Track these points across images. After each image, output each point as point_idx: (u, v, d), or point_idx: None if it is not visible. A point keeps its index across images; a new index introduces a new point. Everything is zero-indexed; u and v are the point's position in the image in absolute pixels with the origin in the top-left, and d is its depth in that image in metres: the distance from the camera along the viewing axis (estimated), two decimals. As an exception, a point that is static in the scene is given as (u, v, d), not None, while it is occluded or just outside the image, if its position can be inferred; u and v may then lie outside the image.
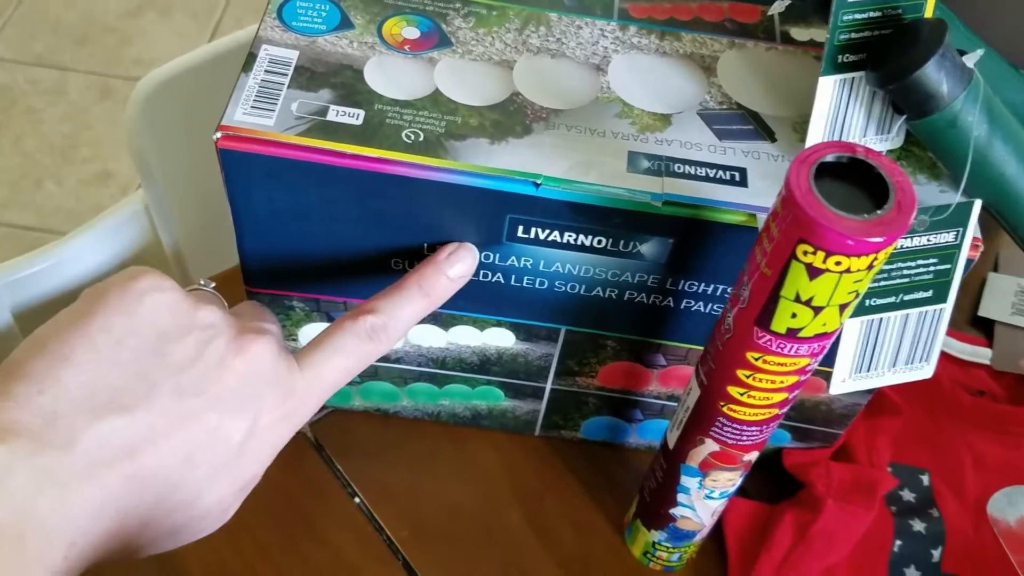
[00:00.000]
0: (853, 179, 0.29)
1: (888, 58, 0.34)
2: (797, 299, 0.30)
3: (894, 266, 0.36)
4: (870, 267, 0.29)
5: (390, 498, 0.47)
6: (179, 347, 0.30)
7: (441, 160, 0.36)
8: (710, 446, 0.37)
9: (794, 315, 0.30)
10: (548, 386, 0.46)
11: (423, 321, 0.38)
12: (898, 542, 0.47)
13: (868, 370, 0.38)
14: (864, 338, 0.37)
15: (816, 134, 0.36)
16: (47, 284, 0.51)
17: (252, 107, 0.36)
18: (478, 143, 0.36)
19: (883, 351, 0.38)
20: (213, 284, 0.36)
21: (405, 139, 0.36)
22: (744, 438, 0.36)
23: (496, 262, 0.39)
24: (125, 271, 0.31)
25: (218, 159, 0.35)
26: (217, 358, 0.31)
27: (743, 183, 0.37)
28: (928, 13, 0.35)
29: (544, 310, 0.42)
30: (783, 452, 0.48)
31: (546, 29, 0.41)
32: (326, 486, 0.48)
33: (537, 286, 0.40)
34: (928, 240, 0.36)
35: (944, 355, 0.54)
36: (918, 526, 0.48)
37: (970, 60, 0.34)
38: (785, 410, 0.35)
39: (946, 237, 0.36)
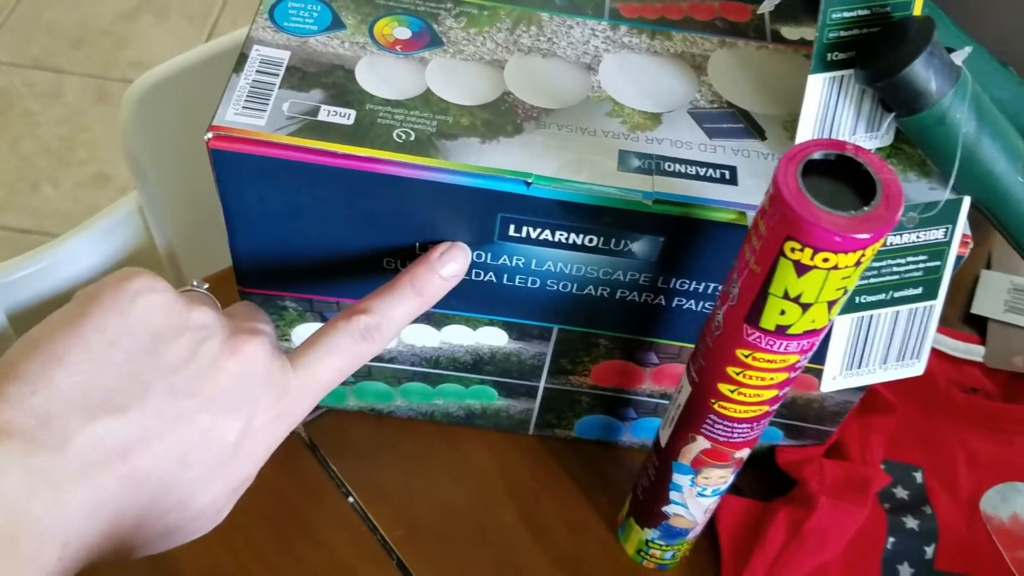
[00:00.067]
0: (841, 176, 0.29)
1: (877, 56, 0.34)
2: (786, 296, 0.30)
3: (884, 263, 0.36)
4: (858, 263, 0.29)
5: (384, 498, 0.48)
6: (172, 348, 0.30)
7: (432, 159, 0.36)
8: (702, 443, 0.37)
9: (783, 312, 0.31)
10: (541, 385, 0.46)
11: (416, 321, 0.38)
12: (891, 539, 0.47)
13: (859, 367, 0.38)
14: (854, 335, 0.37)
15: (806, 132, 0.36)
16: (41, 285, 0.51)
17: (243, 107, 0.36)
18: (469, 142, 0.36)
19: (874, 348, 0.38)
20: (206, 285, 0.36)
21: (396, 139, 0.36)
22: (735, 435, 0.36)
23: (488, 261, 0.39)
24: (118, 272, 0.31)
25: (209, 159, 0.36)
26: (210, 359, 0.31)
27: (733, 181, 0.37)
28: (917, 11, 0.35)
29: (536, 309, 0.42)
30: (776, 450, 0.48)
31: (537, 29, 0.41)
32: (320, 486, 0.48)
33: (529, 285, 0.40)
34: (917, 237, 0.36)
35: (937, 352, 0.54)
36: (911, 523, 0.48)
37: (958, 57, 0.34)
38: (776, 407, 0.35)
39: (935, 234, 0.36)
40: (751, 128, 0.39)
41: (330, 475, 0.48)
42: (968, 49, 0.34)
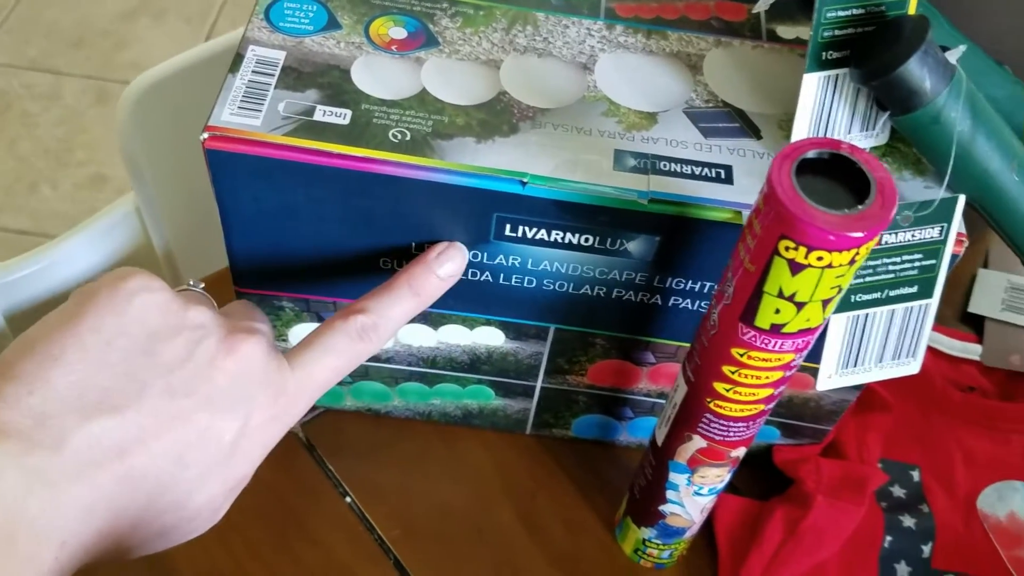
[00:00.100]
0: (835, 175, 0.29)
1: (871, 55, 0.35)
2: (780, 295, 0.30)
3: (879, 262, 0.36)
4: (852, 262, 0.29)
5: (381, 497, 0.48)
6: (169, 347, 0.30)
7: (428, 159, 0.36)
8: (698, 442, 0.37)
9: (777, 311, 0.31)
10: (538, 384, 0.46)
11: (413, 320, 0.38)
12: (888, 538, 0.47)
13: (854, 366, 0.38)
14: (850, 334, 0.37)
15: (801, 131, 0.36)
16: (39, 286, 0.51)
17: (239, 107, 0.36)
18: (465, 142, 0.36)
19: (869, 347, 0.38)
20: (202, 284, 0.36)
21: (392, 138, 0.36)
22: (731, 434, 0.36)
23: (484, 261, 0.39)
24: (114, 271, 0.31)
25: (205, 159, 0.36)
26: (207, 358, 0.31)
27: (729, 180, 0.37)
28: (911, 10, 0.35)
29: (533, 309, 0.42)
30: (773, 449, 0.48)
31: (533, 28, 0.41)
32: (317, 486, 0.48)
33: (526, 285, 0.40)
34: (913, 236, 0.36)
35: (934, 351, 0.54)
36: (908, 522, 0.48)
37: (952, 56, 0.34)
38: (771, 406, 0.36)
39: (931, 233, 0.36)
40: (747, 127, 0.39)
41: (327, 475, 0.48)
42: (962, 48, 0.34)
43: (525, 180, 0.36)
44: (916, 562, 0.47)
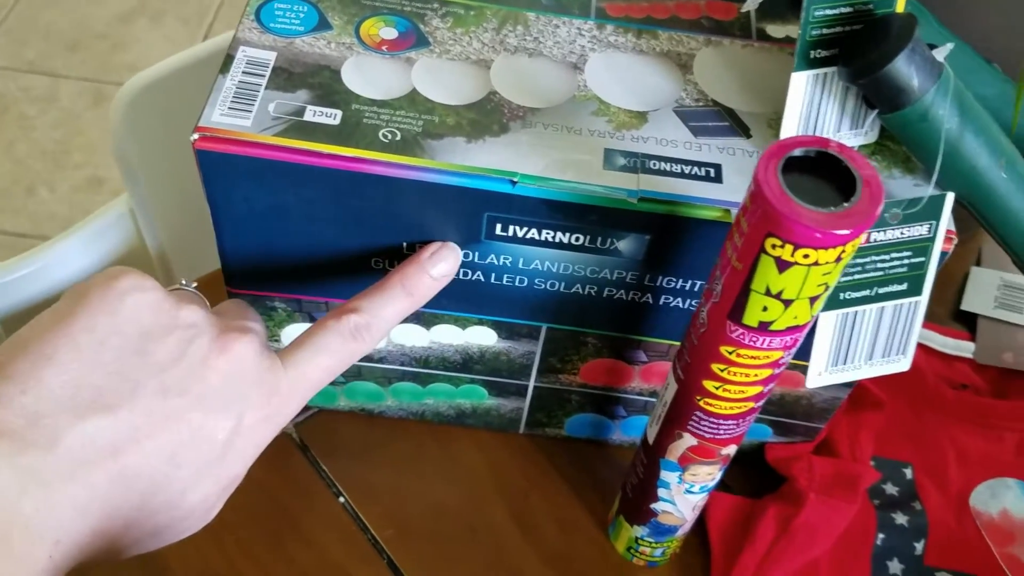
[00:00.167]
0: (822, 173, 0.30)
1: (859, 53, 0.35)
2: (767, 292, 0.30)
3: (868, 259, 0.36)
4: (838, 259, 0.29)
5: (375, 498, 0.48)
6: (162, 346, 0.30)
7: (418, 159, 0.36)
8: (688, 440, 0.37)
9: (765, 308, 0.31)
10: (531, 384, 0.47)
11: (405, 320, 0.38)
12: (881, 535, 0.47)
13: (844, 363, 0.38)
14: (839, 331, 0.38)
15: (790, 130, 0.37)
16: (33, 288, 0.51)
17: (229, 108, 0.36)
18: (455, 142, 0.37)
19: (859, 344, 0.38)
20: (195, 284, 0.36)
21: (382, 138, 0.36)
22: (721, 432, 0.36)
23: (476, 260, 0.39)
24: (106, 271, 0.31)
25: (196, 160, 0.36)
26: (200, 357, 0.31)
27: (718, 179, 0.37)
28: (899, 8, 0.35)
29: (525, 308, 0.42)
30: (765, 447, 0.48)
31: (523, 28, 0.41)
32: (311, 486, 0.48)
33: (517, 284, 0.41)
34: (901, 233, 0.36)
35: (927, 349, 0.54)
36: (901, 519, 0.48)
37: (940, 54, 0.34)
38: (761, 403, 0.36)
39: (919, 230, 0.36)
40: (736, 126, 0.39)
41: (321, 475, 0.48)
42: (950, 45, 0.34)
43: (515, 180, 0.36)
44: (909, 559, 0.47)
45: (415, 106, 0.37)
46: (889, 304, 0.37)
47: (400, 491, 0.48)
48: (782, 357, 0.33)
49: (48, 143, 1.43)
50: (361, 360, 0.46)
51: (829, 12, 0.35)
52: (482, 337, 0.44)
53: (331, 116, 0.36)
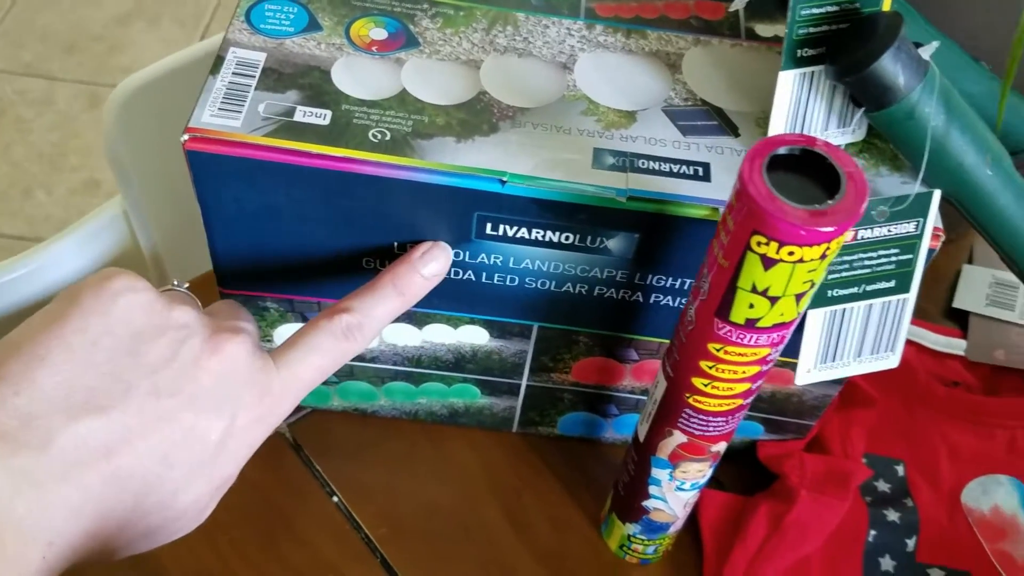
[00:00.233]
0: (807, 171, 0.30)
1: (846, 52, 0.35)
2: (754, 290, 0.30)
3: (855, 257, 0.36)
4: (823, 257, 0.29)
5: (368, 497, 0.48)
6: (154, 347, 0.30)
7: (408, 159, 0.36)
8: (678, 438, 0.38)
9: (752, 305, 0.31)
10: (523, 383, 0.47)
11: (397, 320, 0.38)
12: (873, 532, 0.47)
13: (833, 360, 0.39)
14: (828, 328, 0.38)
15: (777, 128, 0.37)
16: (27, 290, 0.51)
17: (219, 109, 0.36)
18: (444, 142, 0.37)
19: (847, 341, 0.38)
20: (187, 284, 0.36)
21: (372, 138, 0.36)
22: (711, 429, 0.37)
23: (467, 260, 0.40)
24: (99, 272, 0.32)
25: (186, 161, 0.36)
26: (192, 358, 0.31)
27: (706, 178, 0.37)
28: (886, 7, 0.35)
29: (516, 307, 0.42)
30: (757, 444, 0.48)
31: (513, 29, 0.41)
32: (304, 486, 0.48)
33: (508, 283, 0.41)
34: (888, 231, 0.36)
35: (919, 346, 0.54)
36: (892, 516, 0.48)
37: (926, 52, 0.34)
38: (750, 400, 0.36)
39: (906, 227, 0.36)
40: (724, 125, 0.39)
41: (314, 475, 0.48)
42: (935, 44, 0.35)
43: (504, 179, 0.36)
44: (900, 556, 0.47)
45: (405, 106, 0.38)
46: (877, 301, 0.38)
47: (393, 490, 0.48)
48: (770, 354, 0.33)
49: (45, 146, 1.43)
50: (354, 360, 0.46)
51: (816, 11, 0.35)
52: (474, 336, 0.44)
53: (321, 116, 0.37)
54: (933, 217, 0.36)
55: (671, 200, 0.36)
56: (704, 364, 0.34)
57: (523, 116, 0.38)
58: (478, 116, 0.38)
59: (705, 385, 0.35)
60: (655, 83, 0.40)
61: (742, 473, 0.49)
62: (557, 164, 0.37)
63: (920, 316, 0.55)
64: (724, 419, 0.36)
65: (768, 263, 0.29)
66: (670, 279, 0.40)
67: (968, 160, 0.35)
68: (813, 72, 0.36)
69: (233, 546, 0.46)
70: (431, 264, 0.38)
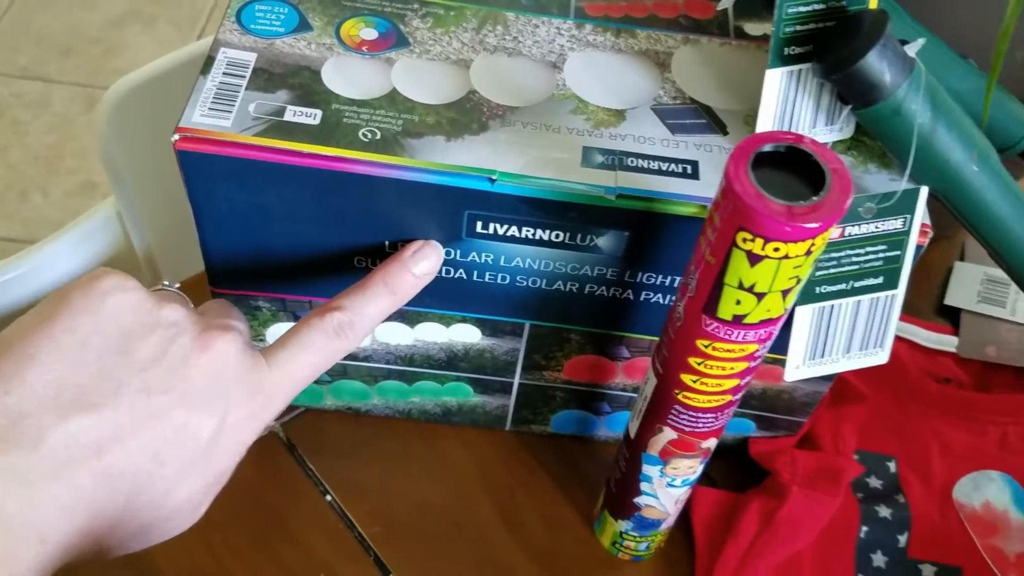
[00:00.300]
0: (792, 168, 0.30)
1: (832, 49, 0.35)
2: (740, 286, 0.30)
3: (843, 253, 0.37)
4: (808, 253, 0.29)
5: (362, 496, 0.48)
6: (143, 345, 0.30)
7: (398, 158, 0.36)
8: (668, 434, 0.38)
9: (738, 302, 0.31)
10: (516, 381, 0.47)
11: (389, 318, 0.39)
12: (864, 528, 0.48)
13: (822, 357, 0.39)
14: (816, 325, 0.38)
15: (765, 126, 0.37)
16: (20, 291, 0.51)
17: (210, 109, 0.36)
18: (434, 140, 0.37)
19: (836, 337, 0.38)
20: (177, 285, 0.36)
21: (362, 138, 0.36)
22: (700, 425, 0.37)
23: (458, 258, 0.40)
24: (88, 273, 0.32)
25: (177, 161, 0.36)
26: (181, 355, 0.31)
27: (695, 176, 0.37)
28: (872, 4, 0.36)
29: (508, 305, 0.42)
30: (749, 441, 0.48)
31: (503, 28, 0.42)
32: (298, 485, 0.48)
33: (499, 281, 0.41)
34: (876, 227, 0.36)
35: (910, 343, 0.54)
36: (884, 512, 0.48)
37: (912, 49, 0.35)
38: (739, 397, 0.36)
39: (894, 224, 0.37)
40: (713, 123, 0.39)
41: (308, 474, 0.49)
42: (921, 41, 0.35)
43: (494, 177, 0.36)
44: (892, 552, 0.47)
45: (395, 105, 0.38)
46: (865, 298, 0.38)
47: (387, 489, 0.48)
48: (757, 350, 0.33)
49: (41, 148, 1.43)
50: (347, 359, 0.46)
51: (802, 9, 0.35)
52: (466, 335, 0.44)
53: (311, 116, 0.37)
54: (920, 214, 0.37)
55: (660, 198, 0.36)
56: (693, 361, 0.34)
57: (513, 115, 0.38)
58: (468, 115, 0.38)
59: (694, 381, 0.35)
60: (644, 82, 0.40)
61: (734, 470, 0.49)
62: (547, 163, 0.37)
63: (912, 313, 0.56)
64: (713, 415, 0.36)
65: (754, 259, 0.29)
66: (660, 276, 0.40)
67: (955, 157, 0.36)
68: (800, 70, 0.36)
69: (227, 545, 0.46)
70: (422, 263, 0.38)
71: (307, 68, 0.39)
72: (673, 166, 0.37)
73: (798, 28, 0.36)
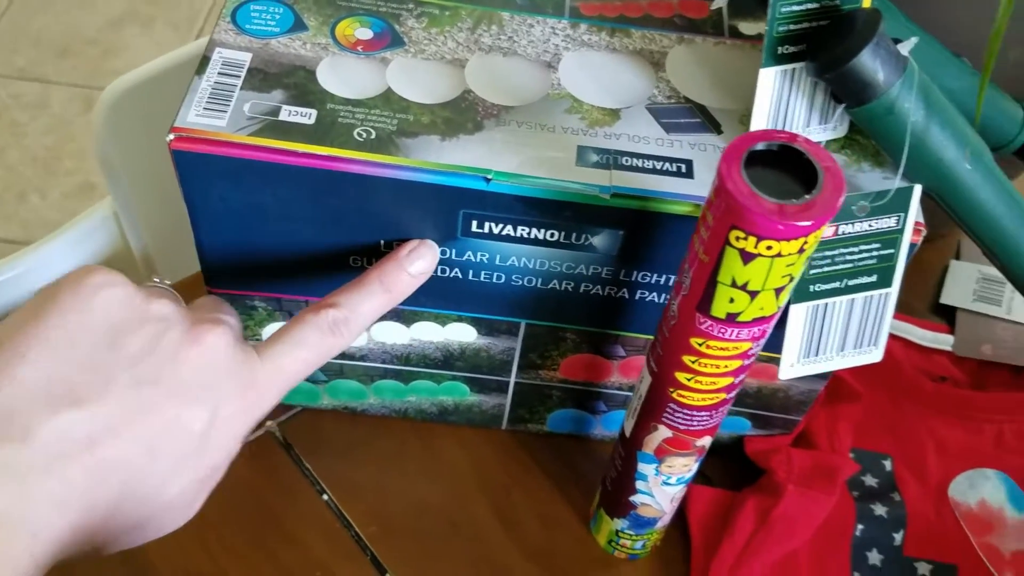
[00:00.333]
0: (785, 167, 0.30)
1: (825, 48, 0.35)
2: (733, 284, 0.31)
3: (837, 252, 0.37)
4: (801, 251, 0.29)
5: (358, 495, 0.48)
6: (133, 340, 0.30)
7: (393, 157, 0.36)
8: (663, 432, 0.38)
9: (732, 300, 0.31)
10: (512, 380, 0.47)
11: (385, 318, 0.39)
12: (860, 526, 0.48)
13: (816, 355, 0.39)
14: (810, 323, 0.38)
15: (759, 125, 0.37)
16: (17, 292, 0.51)
17: (205, 108, 0.36)
18: (429, 140, 0.37)
19: (830, 336, 0.39)
20: (168, 281, 0.36)
21: (357, 137, 0.37)
22: (695, 423, 0.37)
23: (453, 257, 0.40)
24: (77, 269, 0.32)
25: (172, 161, 0.36)
26: (171, 349, 0.31)
27: (689, 175, 0.37)
28: (865, 4, 0.36)
29: (503, 304, 0.42)
30: (744, 439, 0.48)
31: (498, 28, 0.42)
32: (294, 484, 0.48)
33: (495, 280, 0.41)
34: (870, 226, 0.37)
35: (906, 342, 0.54)
36: (880, 510, 0.48)
37: (905, 48, 0.35)
38: (733, 395, 0.36)
39: (888, 222, 0.37)
40: (708, 122, 0.39)
41: (304, 473, 0.49)
42: (914, 40, 0.35)
43: (489, 177, 0.36)
44: (888, 550, 0.47)
45: (390, 105, 0.38)
46: (859, 296, 0.38)
47: (383, 488, 0.48)
48: (751, 348, 0.33)
49: (39, 149, 1.43)
50: (343, 358, 0.46)
51: (796, 8, 0.35)
52: (462, 334, 0.44)
53: (306, 116, 0.37)
54: (914, 212, 0.37)
55: (654, 197, 0.37)
56: (687, 359, 0.34)
57: (508, 114, 0.38)
58: (463, 114, 0.38)
59: (688, 380, 0.35)
60: (639, 81, 0.41)
61: (729, 468, 0.49)
62: (542, 162, 0.37)
63: (907, 312, 0.56)
64: (708, 413, 0.36)
65: (747, 257, 0.30)
66: (655, 275, 0.40)
67: (948, 155, 0.36)
68: (794, 69, 0.36)
69: (223, 544, 0.46)
70: (418, 262, 0.38)
71: (302, 68, 0.39)
72: (667, 165, 0.37)
73: (791, 27, 0.36)
